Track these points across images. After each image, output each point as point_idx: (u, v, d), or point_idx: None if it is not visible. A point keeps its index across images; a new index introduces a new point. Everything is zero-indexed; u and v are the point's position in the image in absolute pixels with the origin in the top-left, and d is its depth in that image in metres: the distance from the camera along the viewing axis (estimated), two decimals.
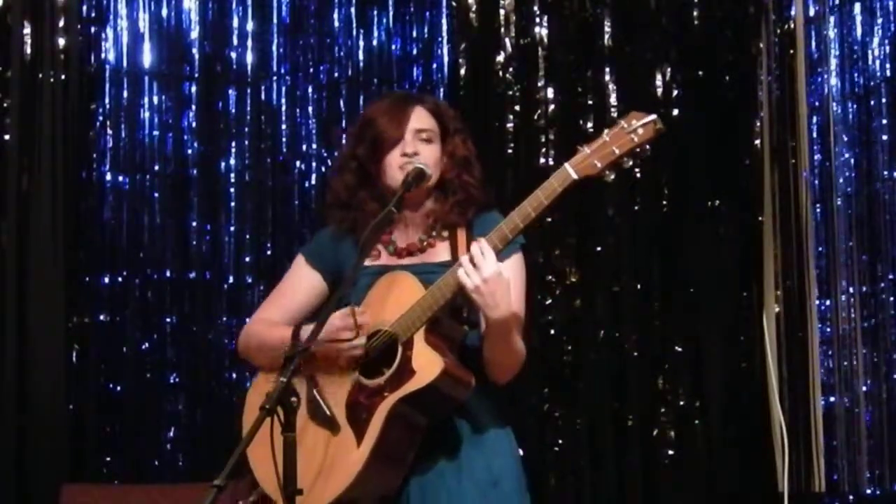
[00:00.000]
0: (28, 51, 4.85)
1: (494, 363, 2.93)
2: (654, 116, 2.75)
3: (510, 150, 5.10)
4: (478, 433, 2.95)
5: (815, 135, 5.07)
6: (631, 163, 2.78)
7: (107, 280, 5.00)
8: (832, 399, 4.94)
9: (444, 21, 5.31)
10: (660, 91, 5.12)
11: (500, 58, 5.15)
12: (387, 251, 3.07)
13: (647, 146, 2.76)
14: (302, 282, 3.14)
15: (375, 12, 5.32)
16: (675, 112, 5.10)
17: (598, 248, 5.06)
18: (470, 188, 3.05)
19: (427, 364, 2.83)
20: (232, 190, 5.16)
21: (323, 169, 5.21)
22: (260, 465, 2.93)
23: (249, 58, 5.22)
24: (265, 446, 2.57)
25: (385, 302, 2.92)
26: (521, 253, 3.02)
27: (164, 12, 5.14)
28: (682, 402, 5.00)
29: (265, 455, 2.58)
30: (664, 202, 5.08)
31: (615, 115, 5.08)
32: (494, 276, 2.78)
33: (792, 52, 5.12)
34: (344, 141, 3.22)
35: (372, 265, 3.03)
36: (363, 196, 3.05)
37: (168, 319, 5.05)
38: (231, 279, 5.13)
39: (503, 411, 3.03)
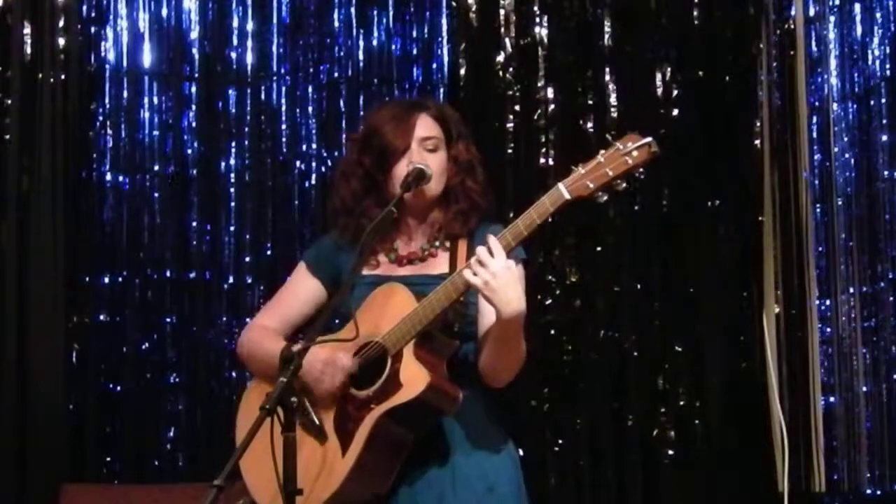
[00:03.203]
0: (28, 51, 4.85)
1: (497, 367, 2.90)
2: (649, 139, 2.71)
3: (510, 150, 5.09)
4: (471, 440, 2.94)
5: (815, 135, 5.08)
6: (624, 185, 2.75)
7: (107, 280, 5.00)
8: (832, 399, 4.94)
9: (444, 21, 5.30)
10: (660, 91, 5.12)
11: (500, 58, 5.14)
12: (388, 258, 3.06)
13: (642, 169, 2.73)
14: (302, 290, 3.13)
15: (375, 12, 5.31)
16: (675, 112, 5.10)
17: (598, 248, 5.06)
18: (473, 195, 3.03)
19: (413, 378, 2.82)
20: (232, 190, 5.16)
21: (323, 169, 5.21)
22: (251, 473, 2.93)
23: (249, 58, 5.22)
24: (256, 453, 2.57)
25: (379, 313, 2.91)
26: (522, 266, 2.97)
27: (164, 12, 5.14)
28: (682, 402, 5.00)
29: (256, 462, 2.56)
30: (664, 202, 5.07)
31: (615, 115, 5.09)
32: (503, 269, 2.74)
33: (792, 52, 5.12)
34: (346, 145, 3.20)
35: (369, 274, 3.03)
36: (368, 204, 3.03)
37: (168, 319, 5.05)
38: (231, 279, 5.12)
39: (498, 416, 3.01)
